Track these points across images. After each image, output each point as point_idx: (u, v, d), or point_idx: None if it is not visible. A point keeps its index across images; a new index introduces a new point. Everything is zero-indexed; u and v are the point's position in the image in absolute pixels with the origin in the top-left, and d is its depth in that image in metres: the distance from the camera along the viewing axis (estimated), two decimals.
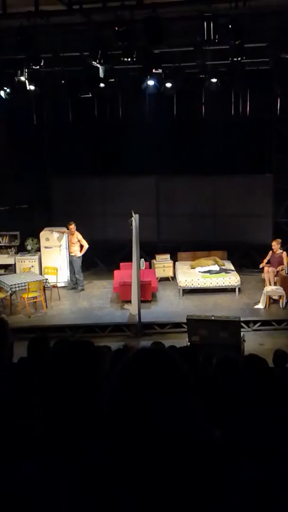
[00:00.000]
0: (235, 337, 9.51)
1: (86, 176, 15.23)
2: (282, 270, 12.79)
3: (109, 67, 10.25)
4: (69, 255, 13.90)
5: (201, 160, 14.21)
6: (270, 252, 12.97)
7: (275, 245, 12.97)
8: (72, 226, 13.62)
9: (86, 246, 13.63)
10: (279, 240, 13.10)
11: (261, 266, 13.02)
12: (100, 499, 1.37)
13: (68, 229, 13.78)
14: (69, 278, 14.10)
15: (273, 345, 9.73)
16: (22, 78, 10.76)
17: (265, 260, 12.96)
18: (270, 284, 12.60)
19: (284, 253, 12.98)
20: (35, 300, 12.62)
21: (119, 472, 1.32)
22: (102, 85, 11.46)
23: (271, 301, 12.44)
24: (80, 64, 11.13)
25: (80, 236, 13.62)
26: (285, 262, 12.85)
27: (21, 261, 14.41)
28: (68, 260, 14.15)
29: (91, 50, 9.40)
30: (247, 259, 14.78)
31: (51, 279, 13.30)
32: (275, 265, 12.81)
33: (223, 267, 13.85)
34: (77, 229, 13.64)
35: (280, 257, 12.87)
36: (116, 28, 8.29)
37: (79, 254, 13.62)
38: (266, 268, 12.84)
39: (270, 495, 2.15)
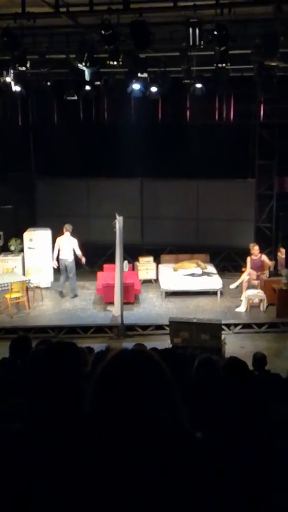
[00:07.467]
0: (216, 339, 9.60)
1: (71, 177, 15.23)
2: (263, 274, 12.90)
3: (95, 70, 10.26)
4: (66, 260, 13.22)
5: (185, 164, 14.29)
6: (249, 258, 12.87)
7: (255, 249, 12.86)
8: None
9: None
10: (256, 245, 13.01)
11: (242, 278, 12.77)
12: (81, 498, 1.39)
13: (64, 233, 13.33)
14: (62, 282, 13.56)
15: (253, 348, 9.84)
16: (8, 79, 10.73)
17: (247, 268, 12.82)
18: (247, 288, 12.57)
19: (264, 256, 13.08)
20: (17, 300, 12.58)
21: (101, 472, 1.35)
22: (87, 87, 11.47)
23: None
24: (66, 66, 11.15)
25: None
26: (269, 263, 12.94)
27: (4, 262, 14.34)
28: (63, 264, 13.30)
29: (77, 53, 9.41)
30: (229, 263, 14.92)
31: (34, 279, 13.26)
32: (258, 269, 12.83)
33: (205, 270, 13.94)
34: (59, 231, 13.46)
35: (260, 261, 12.93)
36: (103, 32, 8.31)
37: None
38: (247, 273, 12.75)
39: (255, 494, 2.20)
